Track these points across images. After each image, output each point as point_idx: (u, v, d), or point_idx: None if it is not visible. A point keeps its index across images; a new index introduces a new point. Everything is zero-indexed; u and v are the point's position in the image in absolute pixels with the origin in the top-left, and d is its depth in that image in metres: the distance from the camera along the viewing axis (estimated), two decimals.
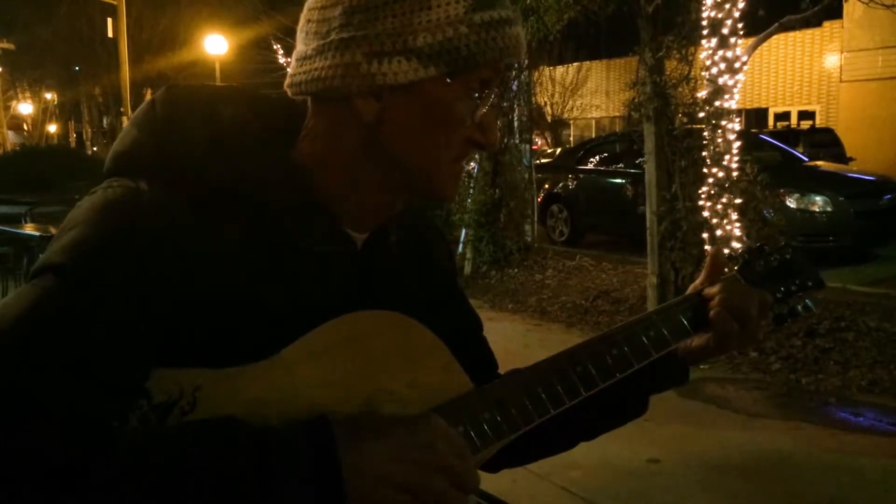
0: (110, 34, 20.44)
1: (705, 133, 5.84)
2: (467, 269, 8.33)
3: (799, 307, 1.12)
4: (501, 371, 1.07)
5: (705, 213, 5.73)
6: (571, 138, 27.85)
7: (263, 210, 0.82)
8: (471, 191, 8.42)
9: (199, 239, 0.77)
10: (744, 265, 1.09)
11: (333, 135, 0.86)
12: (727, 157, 5.70)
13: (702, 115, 5.86)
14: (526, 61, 8.42)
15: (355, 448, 0.72)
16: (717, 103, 5.72)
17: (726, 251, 5.40)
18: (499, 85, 0.87)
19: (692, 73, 5.99)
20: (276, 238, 0.82)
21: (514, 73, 8.22)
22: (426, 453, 0.75)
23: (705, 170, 5.78)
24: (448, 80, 0.81)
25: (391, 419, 0.78)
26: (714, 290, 1.03)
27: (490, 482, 0.98)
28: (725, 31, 5.64)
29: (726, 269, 1.08)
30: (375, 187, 0.87)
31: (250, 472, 0.68)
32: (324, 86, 0.83)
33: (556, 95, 26.85)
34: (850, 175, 9.73)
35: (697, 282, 1.08)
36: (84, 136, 35.55)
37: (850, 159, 14.58)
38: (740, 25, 5.69)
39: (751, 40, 6.74)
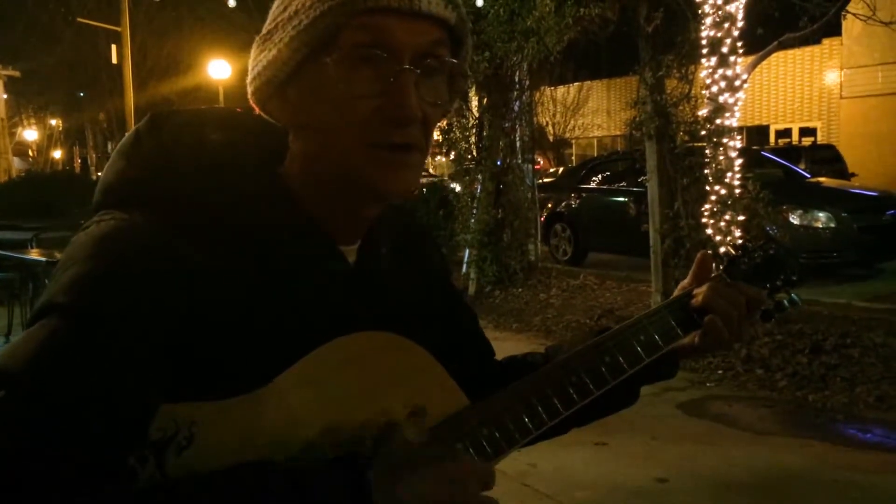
0: (115, 60, 20.60)
1: (707, 151, 5.87)
2: (471, 289, 8.32)
3: (785, 301, 1.14)
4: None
5: (708, 231, 5.74)
6: (573, 157, 27.95)
7: (256, 234, 0.82)
8: (474, 211, 8.44)
9: (195, 266, 0.76)
10: (729, 264, 1.11)
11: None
12: (729, 174, 5.73)
13: (703, 133, 5.89)
14: (527, 82, 8.48)
15: (387, 490, 0.74)
16: (717, 121, 5.76)
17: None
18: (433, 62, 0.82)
19: (693, 92, 6.04)
20: (269, 261, 0.82)
21: (515, 93, 8.28)
22: (455, 492, 0.77)
23: (707, 187, 5.80)
24: (327, 60, 0.80)
25: (420, 455, 0.79)
26: (701, 290, 1.05)
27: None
28: (725, 49, 5.68)
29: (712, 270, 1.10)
30: (340, 196, 0.85)
31: None
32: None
33: (558, 115, 26.99)
34: (853, 191, 9.75)
35: (685, 282, 1.10)
36: (89, 162, 35.70)
37: (853, 175, 14.58)
38: (739, 44, 5.74)
39: (750, 58, 6.78)
